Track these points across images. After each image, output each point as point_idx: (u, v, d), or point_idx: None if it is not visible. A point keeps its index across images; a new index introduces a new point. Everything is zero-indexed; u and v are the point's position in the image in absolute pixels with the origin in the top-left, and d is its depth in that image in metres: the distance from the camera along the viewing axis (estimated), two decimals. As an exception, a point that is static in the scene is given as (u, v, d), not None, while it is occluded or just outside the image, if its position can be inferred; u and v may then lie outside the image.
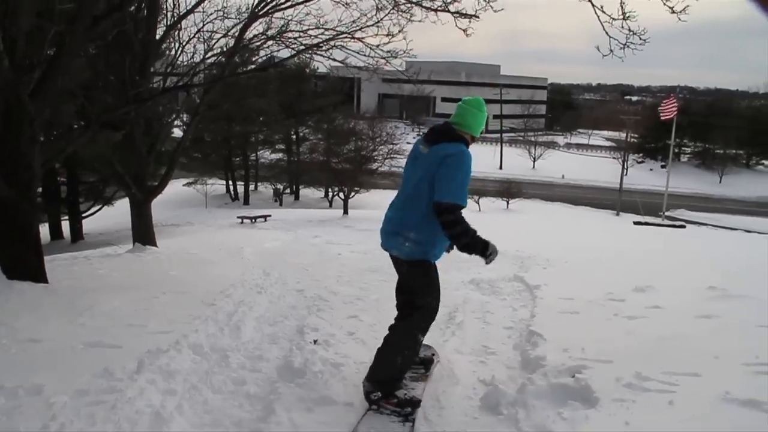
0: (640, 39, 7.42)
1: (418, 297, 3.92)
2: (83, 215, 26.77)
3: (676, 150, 60.50)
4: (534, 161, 63.20)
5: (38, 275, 6.77)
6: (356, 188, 32.06)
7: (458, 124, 3.90)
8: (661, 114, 43.24)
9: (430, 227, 3.74)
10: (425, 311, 3.92)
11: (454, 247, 3.90)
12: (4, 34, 6.11)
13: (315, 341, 5.06)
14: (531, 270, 9.08)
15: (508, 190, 43.41)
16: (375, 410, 3.77)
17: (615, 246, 13.65)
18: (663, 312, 5.91)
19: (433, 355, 4.52)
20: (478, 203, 39.71)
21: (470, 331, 5.63)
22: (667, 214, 39.64)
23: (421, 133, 4.21)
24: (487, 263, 3.82)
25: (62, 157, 13.37)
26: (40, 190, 22.23)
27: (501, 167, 60.78)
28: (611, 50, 7.56)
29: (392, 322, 4.12)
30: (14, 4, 6.28)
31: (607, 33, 7.37)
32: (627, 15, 7.25)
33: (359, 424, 3.64)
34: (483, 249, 3.73)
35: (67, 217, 26.39)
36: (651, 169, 62.65)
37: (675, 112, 41.95)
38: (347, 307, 6.41)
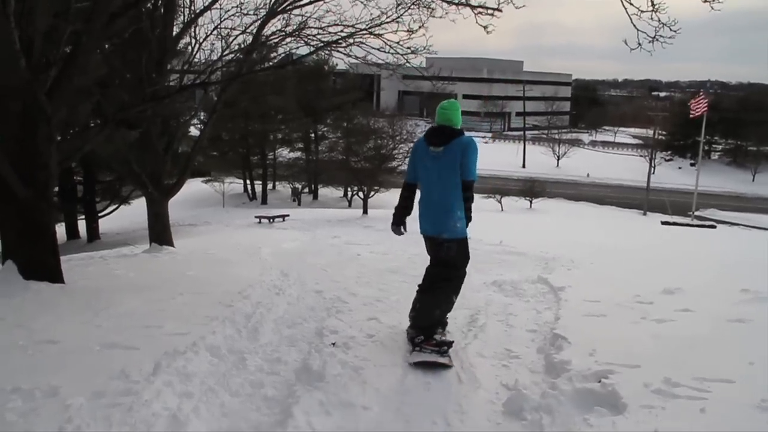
0: (671, 30, 7.27)
1: (462, 268, 5.03)
2: (100, 215, 27.05)
3: (707, 147, 59.70)
4: (558, 159, 62.76)
5: (55, 275, 6.85)
6: (376, 187, 32.04)
7: (449, 123, 4.89)
8: (690, 111, 42.73)
9: (462, 203, 4.83)
10: (461, 278, 5.07)
11: None
12: (21, 34, 6.18)
13: (334, 344, 5.08)
14: (555, 271, 9.01)
15: (532, 189, 43.19)
16: (418, 350, 4.76)
17: (642, 247, 13.51)
18: (693, 315, 5.82)
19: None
20: (500, 203, 39.53)
21: (493, 334, 5.59)
22: (696, 213, 39.17)
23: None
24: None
25: (79, 156, 13.48)
26: (56, 189, 22.49)
27: (524, 166, 60.42)
28: (639, 44, 7.42)
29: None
30: (31, 3, 6.36)
31: (635, 26, 7.24)
32: (656, 6, 7.12)
33: (410, 356, 4.74)
34: None
35: (83, 217, 26.68)
36: (680, 168, 61.95)
37: (705, 109, 41.45)
38: (367, 309, 6.39)
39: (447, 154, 4.75)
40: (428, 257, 5.22)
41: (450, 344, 4.84)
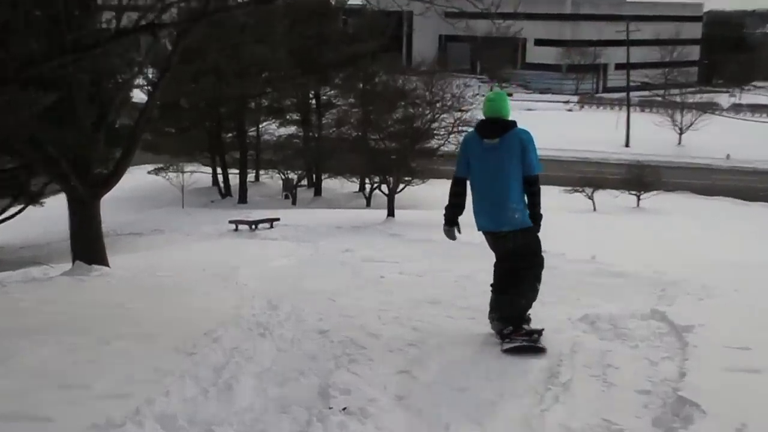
0: None
1: (537, 255, 6.65)
2: (-5, 220, 27.35)
3: None
4: (681, 134, 62.38)
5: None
6: (407, 178, 32.06)
7: (500, 115, 6.48)
8: None
9: (521, 195, 6.40)
10: (541, 264, 6.70)
11: None
12: None
13: (345, 409, 5.08)
14: (678, 302, 8.90)
15: (639, 178, 42.77)
16: (509, 342, 6.35)
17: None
18: None
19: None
20: (591, 199, 39.27)
21: (583, 396, 5.53)
22: None
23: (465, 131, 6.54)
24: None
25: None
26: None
27: (627, 144, 60.24)
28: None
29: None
30: None
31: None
32: None
33: (502, 346, 6.38)
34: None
35: (-32, 223, 26.98)
36: None
37: None
38: (394, 358, 6.40)
39: (503, 145, 6.32)
40: (489, 276, 6.82)
41: (540, 332, 6.48)
